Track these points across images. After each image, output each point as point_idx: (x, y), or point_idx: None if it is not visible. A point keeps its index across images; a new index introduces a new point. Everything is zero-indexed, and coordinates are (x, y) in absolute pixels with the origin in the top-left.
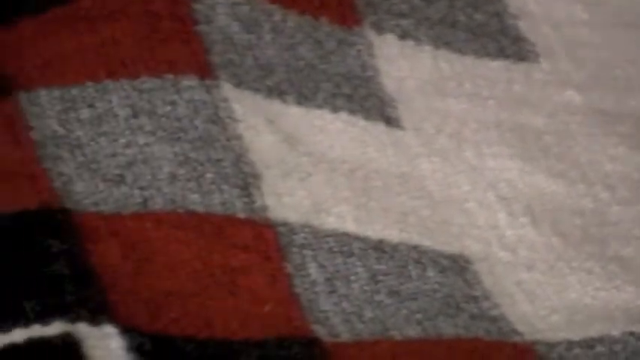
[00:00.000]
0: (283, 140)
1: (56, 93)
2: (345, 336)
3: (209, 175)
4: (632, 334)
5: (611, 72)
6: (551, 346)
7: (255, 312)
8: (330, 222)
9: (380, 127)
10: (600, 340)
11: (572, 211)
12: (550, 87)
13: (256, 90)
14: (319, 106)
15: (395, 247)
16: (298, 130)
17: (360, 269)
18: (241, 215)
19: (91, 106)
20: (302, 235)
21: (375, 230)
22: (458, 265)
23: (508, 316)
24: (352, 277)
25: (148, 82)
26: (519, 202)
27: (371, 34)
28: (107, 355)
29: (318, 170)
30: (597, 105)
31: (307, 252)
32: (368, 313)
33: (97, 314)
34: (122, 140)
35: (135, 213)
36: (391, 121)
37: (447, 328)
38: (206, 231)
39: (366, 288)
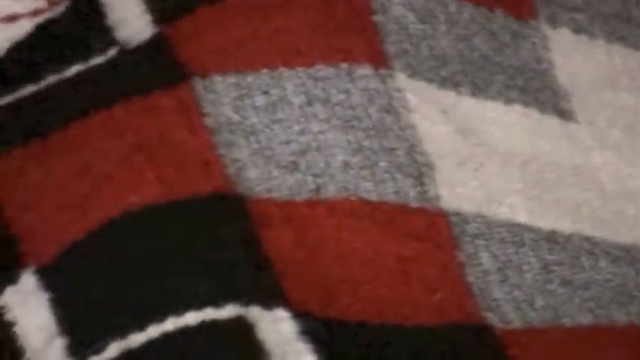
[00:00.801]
0: (457, 131)
1: (231, 80)
2: (517, 323)
3: (382, 164)
4: None
5: None
6: None
7: (427, 299)
8: (503, 212)
9: (553, 120)
10: None
11: None
12: None
13: (430, 80)
14: (493, 98)
15: (567, 238)
16: (471, 121)
17: (532, 259)
18: (414, 204)
19: (265, 93)
20: (474, 224)
21: (547, 221)
22: (630, 256)
23: None
24: (524, 267)
25: (322, 71)
26: None
27: (546, 28)
28: (279, 339)
29: (491, 161)
30: None
31: (479, 242)
32: (540, 302)
33: (269, 298)
34: (296, 127)
35: (308, 200)
36: (565, 115)
37: (620, 316)
38: (378, 219)
39: (538, 277)
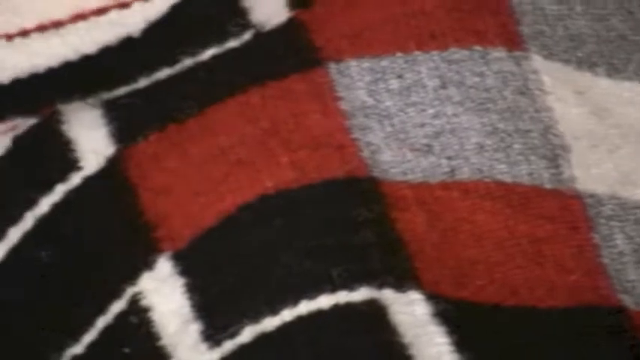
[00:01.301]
0: (592, 112)
1: (366, 64)
2: None
3: (517, 146)
4: None
5: None
6: None
7: (561, 281)
8: (638, 194)
9: None
10: None
11: None
12: None
13: (566, 61)
14: (629, 78)
15: None
16: (607, 102)
17: None
18: (548, 186)
19: (400, 76)
20: (609, 206)
21: None
22: None
23: None
24: None
25: (456, 54)
26: None
27: None
28: (412, 321)
29: (627, 142)
30: None
31: (614, 223)
32: None
33: (402, 281)
34: (430, 111)
35: (442, 182)
36: None
37: None
38: (513, 201)
39: None
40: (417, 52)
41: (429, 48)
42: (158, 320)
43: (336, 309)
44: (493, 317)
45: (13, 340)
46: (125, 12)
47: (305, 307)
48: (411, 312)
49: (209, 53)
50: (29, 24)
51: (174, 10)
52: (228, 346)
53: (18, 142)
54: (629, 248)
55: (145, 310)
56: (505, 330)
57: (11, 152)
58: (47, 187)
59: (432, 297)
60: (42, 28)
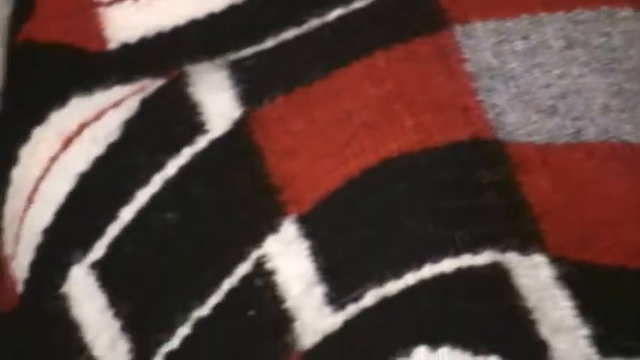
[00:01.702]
0: None
1: (491, 25)
2: None
3: None
4: None
5: None
6: None
7: None
8: None
9: None
10: None
11: None
12: None
13: None
14: None
15: None
16: None
17: None
18: None
19: (525, 38)
20: None
21: None
22: None
23: None
24: None
25: (583, 14)
26: None
27: None
28: (536, 284)
29: None
30: None
31: None
32: None
33: (526, 244)
34: (556, 72)
35: (566, 144)
36: None
37: None
38: (638, 162)
39: None
40: (542, 14)
41: (554, 9)
42: (282, 283)
43: (460, 272)
44: (617, 280)
45: (140, 301)
46: None
47: (428, 270)
48: (534, 275)
49: (335, 14)
50: None
51: None
52: (352, 309)
53: (145, 104)
54: None
55: (270, 273)
56: (630, 293)
57: (139, 115)
58: (174, 150)
59: (556, 260)
60: None
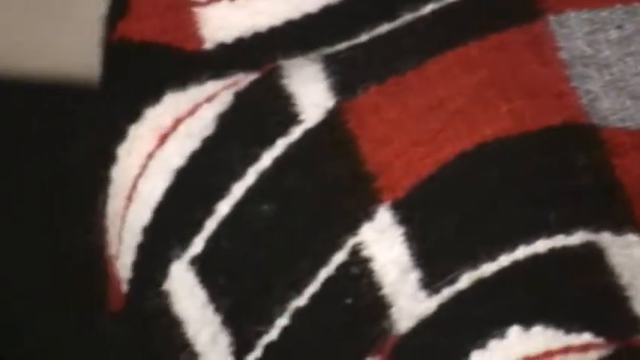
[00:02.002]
0: None
1: (585, 15)
2: None
3: None
4: None
5: None
6: None
7: None
8: None
9: None
10: None
11: None
12: None
13: None
14: None
15: None
16: None
17: None
18: None
19: (619, 27)
20: None
21: None
22: None
23: None
24: None
25: None
26: None
27: None
28: (630, 263)
29: None
30: None
31: None
32: None
33: (620, 224)
34: None
35: None
36: None
37: None
38: None
39: None
40: (637, 4)
41: None
42: (379, 270)
43: (553, 253)
44: None
45: (239, 295)
46: None
47: (522, 252)
48: (629, 254)
49: (429, 8)
50: None
51: None
52: (447, 293)
53: (240, 97)
54: None
55: (366, 261)
56: None
57: (233, 108)
58: (269, 142)
59: None
60: None
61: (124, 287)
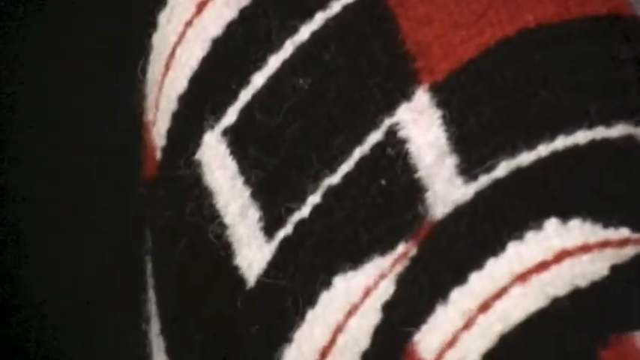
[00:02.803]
0: None
1: None
2: None
3: None
4: None
5: None
6: None
7: None
8: None
9: None
10: None
11: None
12: None
13: None
14: None
15: None
16: None
17: None
18: None
19: None
20: None
21: None
22: None
23: None
24: None
25: None
26: None
27: None
28: None
29: None
30: None
31: None
32: None
33: None
34: None
35: None
36: None
37: None
38: None
39: None
40: None
41: None
42: (415, 152)
43: (593, 144)
44: None
45: (270, 169)
46: None
47: (561, 142)
48: None
49: None
50: None
51: None
52: (484, 180)
53: None
54: None
55: (402, 142)
56: None
57: None
58: (307, 15)
59: None
60: None
61: (158, 155)
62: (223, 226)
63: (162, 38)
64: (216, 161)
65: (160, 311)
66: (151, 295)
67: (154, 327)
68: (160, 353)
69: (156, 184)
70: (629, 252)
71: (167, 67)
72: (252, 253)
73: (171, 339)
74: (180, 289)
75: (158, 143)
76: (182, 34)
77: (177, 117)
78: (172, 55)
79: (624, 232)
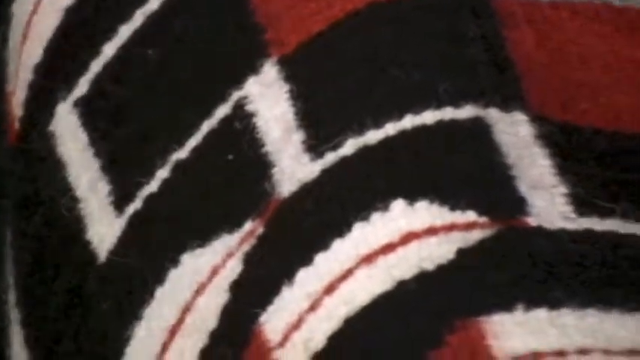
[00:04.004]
0: None
1: None
2: None
3: None
4: None
5: None
6: None
7: None
8: None
9: None
10: None
11: None
12: None
13: None
14: None
15: None
16: None
17: None
18: None
19: None
20: None
21: None
22: None
23: None
24: None
25: None
26: None
27: None
28: (516, 142)
29: None
30: None
31: None
32: None
33: (509, 100)
34: None
35: (551, 2)
36: None
37: None
38: (621, 24)
39: None
40: None
41: None
42: (262, 127)
43: (441, 125)
44: (595, 142)
45: (120, 142)
46: None
47: (409, 121)
48: (515, 132)
49: None
50: None
51: None
52: (330, 158)
53: None
54: None
55: (250, 116)
56: (606, 155)
57: None
58: None
59: (537, 119)
60: None
61: (17, 125)
62: (75, 200)
63: (21, 6)
64: (68, 133)
65: (17, 283)
66: (10, 266)
67: (11, 298)
68: (16, 325)
69: (13, 156)
70: (475, 236)
71: (25, 36)
72: (104, 229)
73: (26, 311)
74: (35, 262)
75: (17, 113)
76: (38, 3)
77: (32, 87)
78: (29, 23)
79: (471, 216)
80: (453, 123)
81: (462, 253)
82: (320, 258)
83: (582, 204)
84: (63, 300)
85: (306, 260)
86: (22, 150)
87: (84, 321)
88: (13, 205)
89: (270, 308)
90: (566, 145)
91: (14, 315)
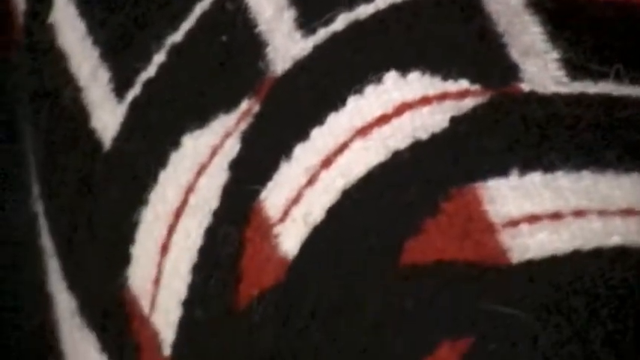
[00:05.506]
0: None
1: None
2: None
3: None
4: None
5: None
6: None
7: None
8: None
9: None
10: None
11: None
12: None
13: None
14: None
15: None
16: None
17: None
18: None
19: None
20: None
21: None
22: None
23: None
24: None
25: None
26: None
27: None
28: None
29: None
30: None
31: None
32: None
33: None
34: None
35: None
36: None
37: None
38: None
39: None
40: None
41: None
42: (254, 6)
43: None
44: (587, 10)
45: (117, 28)
46: None
47: None
48: (505, 1)
49: None
50: None
51: None
52: (322, 34)
53: None
54: None
55: None
56: (597, 23)
57: None
58: None
59: None
60: None
61: (21, 20)
62: (78, 90)
63: None
64: (67, 23)
65: (38, 175)
66: (32, 159)
67: (35, 190)
68: (41, 217)
69: (20, 50)
70: (468, 103)
71: None
72: (106, 116)
73: (46, 203)
74: (48, 154)
75: (21, 8)
76: None
77: None
78: None
79: (463, 84)
80: None
81: (455, 121)
82: (316, 133)
83: (575, 68)
84: (74, 190)
85: (303, 135)
86: (27, 44)
87: (95, 209)
88: (26, 100)
89: (270, 184)
90: (557, 13)
91: (39, 206)
